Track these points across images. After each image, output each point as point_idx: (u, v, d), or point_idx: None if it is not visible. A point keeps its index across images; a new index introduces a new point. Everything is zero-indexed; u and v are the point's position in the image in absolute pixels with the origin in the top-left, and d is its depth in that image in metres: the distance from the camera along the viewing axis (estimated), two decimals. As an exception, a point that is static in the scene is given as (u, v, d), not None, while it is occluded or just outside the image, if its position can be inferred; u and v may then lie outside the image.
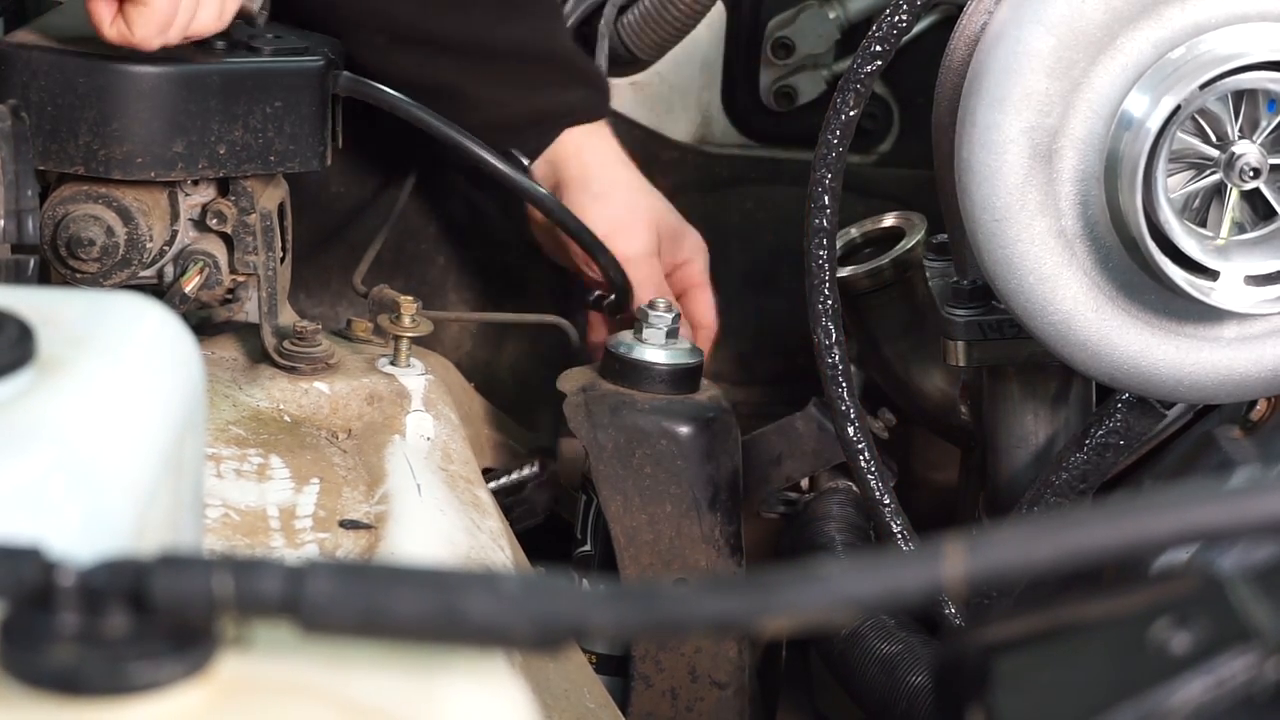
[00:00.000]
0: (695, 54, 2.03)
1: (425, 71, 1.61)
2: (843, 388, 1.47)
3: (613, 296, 1.67)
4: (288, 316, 1.48)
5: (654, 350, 1.53)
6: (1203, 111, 1.26)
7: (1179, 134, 1.26)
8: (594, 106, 1.72)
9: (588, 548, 1.56)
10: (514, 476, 1.63)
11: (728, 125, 2.06)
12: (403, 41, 1.61)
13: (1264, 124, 1.26)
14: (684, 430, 1.51)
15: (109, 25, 1.32)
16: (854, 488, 1.63)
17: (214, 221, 1.42)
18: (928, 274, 1.60)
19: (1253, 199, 1.29)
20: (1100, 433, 1.46)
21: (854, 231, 1.73)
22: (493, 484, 1.60)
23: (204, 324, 1.46)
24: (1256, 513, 0.69)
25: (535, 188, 1.55)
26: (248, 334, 1.45)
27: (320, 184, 1.70)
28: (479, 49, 1.58)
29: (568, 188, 1.67)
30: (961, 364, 1.50)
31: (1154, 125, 1.25)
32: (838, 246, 1.51)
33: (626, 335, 1.55)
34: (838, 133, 1.44)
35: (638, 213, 1.69)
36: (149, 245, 1.38)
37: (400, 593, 0.67)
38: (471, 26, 1.59)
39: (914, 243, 1.68)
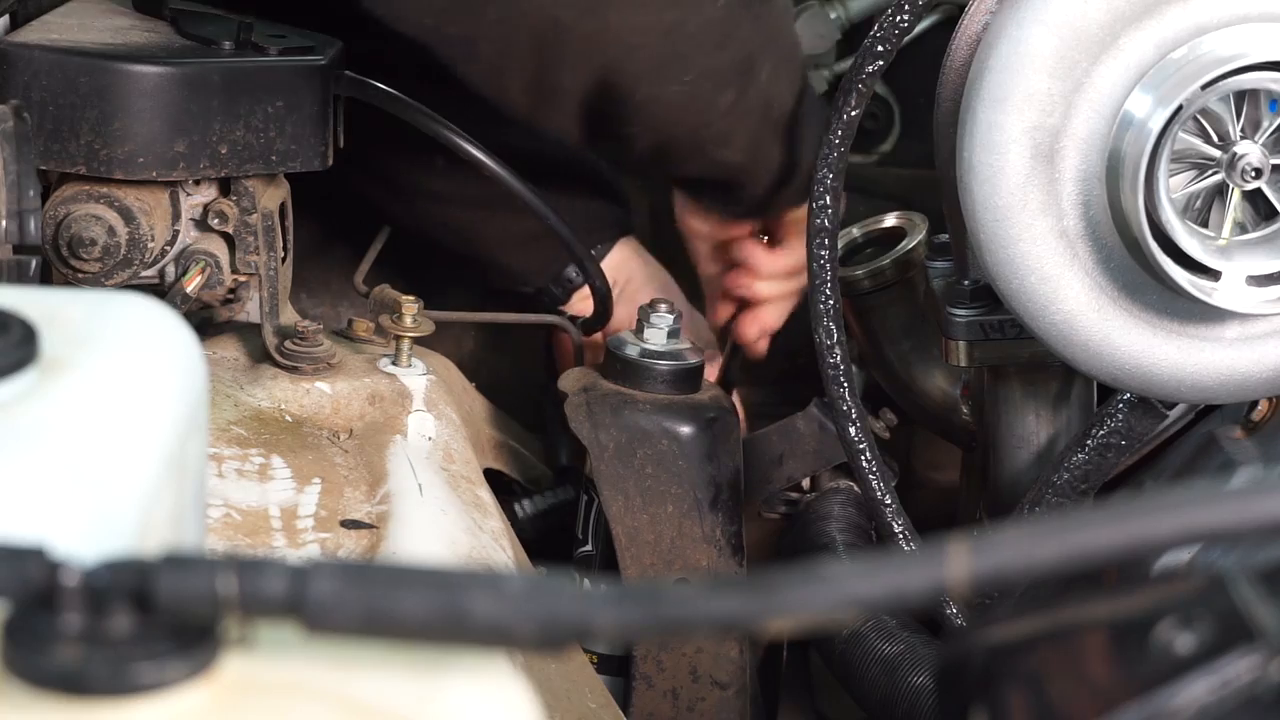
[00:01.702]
0: (696, 54, 2.03)
1: (481, 187, 1.64)
2: (844, 387, 1.47)
3: (588, 317, 1.69)
4: (289, 316, 1.48)
5: (655, 350, 1.53)
6: (1204, 111, 1.26)
7: (1181, 134, 1.26)
8: (621, 221, 1.76)
9: (589, 548, 1.56)
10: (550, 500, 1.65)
11: (729, 125, 2.06)
12: (452, 160, 1.65)
13: (1265, 124, 1.26)
14: (685, 430, 1.51)
15: None
16: (855, 488, 1.63)
17: (215, 221, 1.42)
18: (929, 274, 1.60)
19: (1254, 199, 1.29)
20: (1102, 433, 1.46)
21: (855, 231, 1.74)
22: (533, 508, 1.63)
23: (205, 324, 1.46)
24: (1258, 513, 0.69)
25: (527, 192, 1.55)
26: (249, 334, 1.45)
27: (322, 183, 1.70)
28: (526, 162, 1.59)
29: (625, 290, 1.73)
30: (963, 364, 1.50)
31: (1156, 125, 1.25)
32: (839, 246, 1.51)
33: (628, 335, 1.55)
34: (839, 132, 1.44)
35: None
36: (150, 245, 1.38)
37: (404, 593, 0.67)
38: (514, 142, 1.59)
39: (915, 243, 1.68)
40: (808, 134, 1.63)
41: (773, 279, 1.75)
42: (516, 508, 1.62)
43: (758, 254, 1.74)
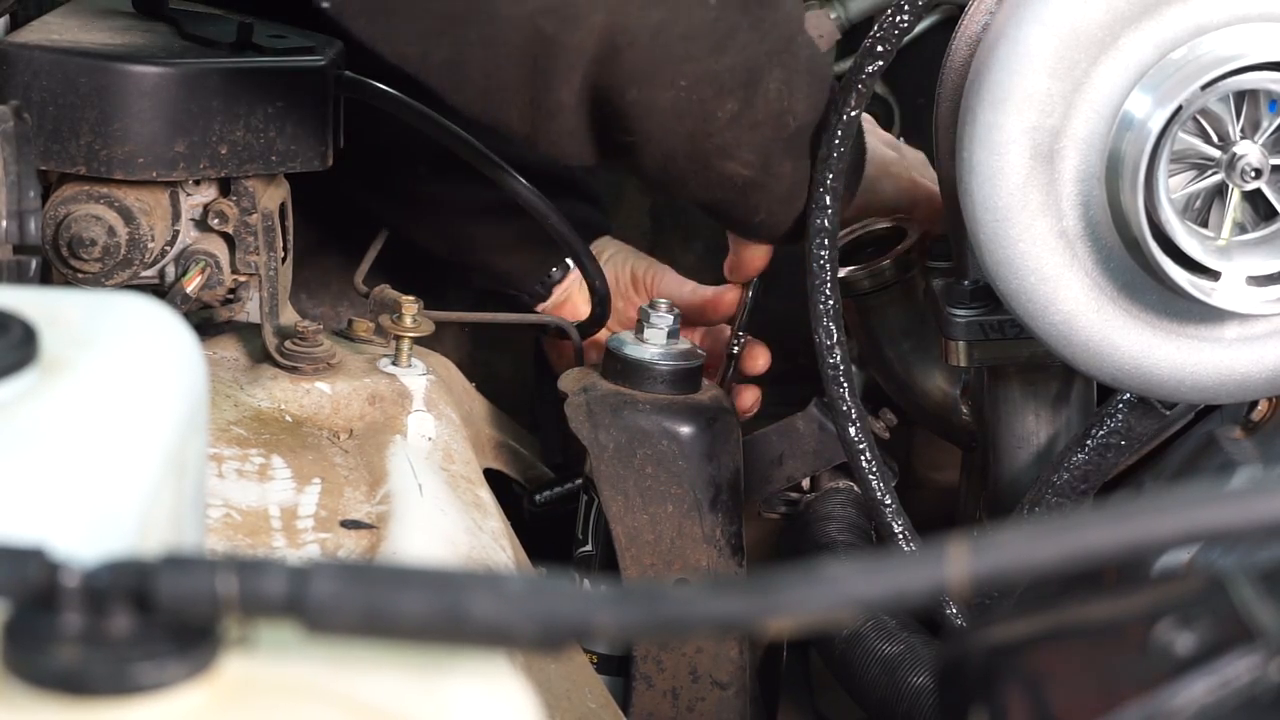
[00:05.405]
0: (696, 54, 2.02)
1: (471, 192, 1.67)
2: (844, 388, 1.47)
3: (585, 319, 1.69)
4: (289, 316, 1.48)
5: (655, 350, 1.53)
6: (1204, 112, 1.26)
7: (1180, 134, 1.26)
8: (599, 223, 1.79)
9: (589, 548, 1.56)
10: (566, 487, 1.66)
11: (729, 125, 2.06)
12: (442, 166, 1.68)
13: (1265, 124, 1.26)
14: (685, 430, 1.51)
15: None
16: (855, 488, 1.63)
17: (215, 221, 1.42)
18: (929, 274, 1.60)
19: (1254, 199, 1.29)
20: (1101, 433, 1.46)
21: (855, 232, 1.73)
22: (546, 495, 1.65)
23: (205, 324, 1.46)
24: (1258, 513, 0.69)
25: (528, 192, 1.56)
26: (249, 334, 1.45)
27: (321, 184, 1.70)
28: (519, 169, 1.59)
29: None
30: (963, 364, 1.50)
31: (1155, 125, 1.25)
32: (839, 246, 1.51)
33: (628, 335, 1.55)
34: (839, 133, 1.44)
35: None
36: (150, 245, 1.38)
37: (404, 593, 0.67)
38: (502, 149, 1.59)
39: (915, 242, 1.68)
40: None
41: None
42: (536, 497, 1.64)
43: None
